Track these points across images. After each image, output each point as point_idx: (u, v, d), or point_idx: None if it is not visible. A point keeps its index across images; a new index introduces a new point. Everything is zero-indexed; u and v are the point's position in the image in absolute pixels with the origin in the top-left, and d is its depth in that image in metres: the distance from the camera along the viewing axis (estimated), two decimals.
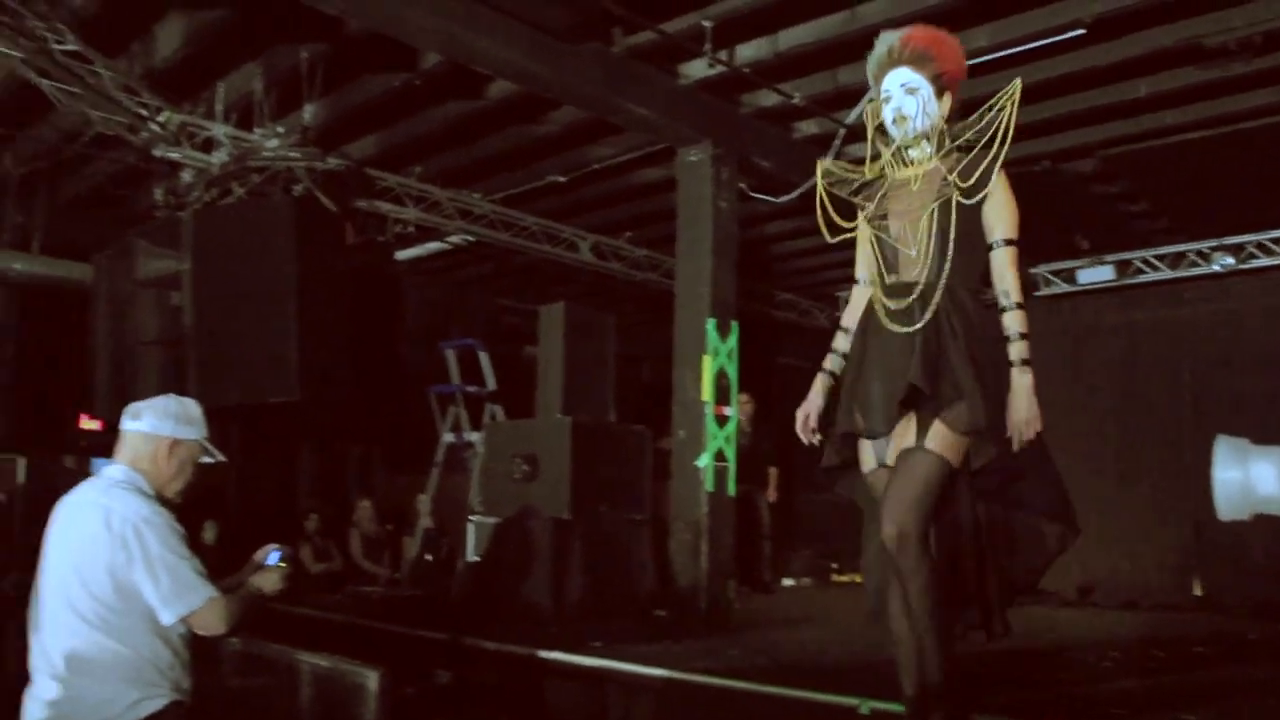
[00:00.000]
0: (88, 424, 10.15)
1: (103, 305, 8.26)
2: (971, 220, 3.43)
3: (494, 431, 8.32)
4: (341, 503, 11.38)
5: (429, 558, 9.20)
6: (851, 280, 3.82)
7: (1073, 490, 3.57)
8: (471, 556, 7.87)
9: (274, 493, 11.96)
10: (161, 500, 3.19)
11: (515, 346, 10.64)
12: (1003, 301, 3.44)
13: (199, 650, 3.23)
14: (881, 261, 3.57)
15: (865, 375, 3.52)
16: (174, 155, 7.62)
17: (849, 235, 3.66)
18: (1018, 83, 3.34)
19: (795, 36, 6.81)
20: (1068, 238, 9.85)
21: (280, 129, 7.71)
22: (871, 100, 3.61)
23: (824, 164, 3.73)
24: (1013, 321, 3.40)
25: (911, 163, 3.59)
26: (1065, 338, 10.46)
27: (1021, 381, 3.34)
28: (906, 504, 3.28)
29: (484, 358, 9.15)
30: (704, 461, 7.11)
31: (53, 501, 3.21)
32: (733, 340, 7.42)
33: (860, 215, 3.65)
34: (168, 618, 3.04)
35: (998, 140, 3.35)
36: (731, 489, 7.30)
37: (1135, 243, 9.92)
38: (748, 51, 7.06)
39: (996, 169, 3.39)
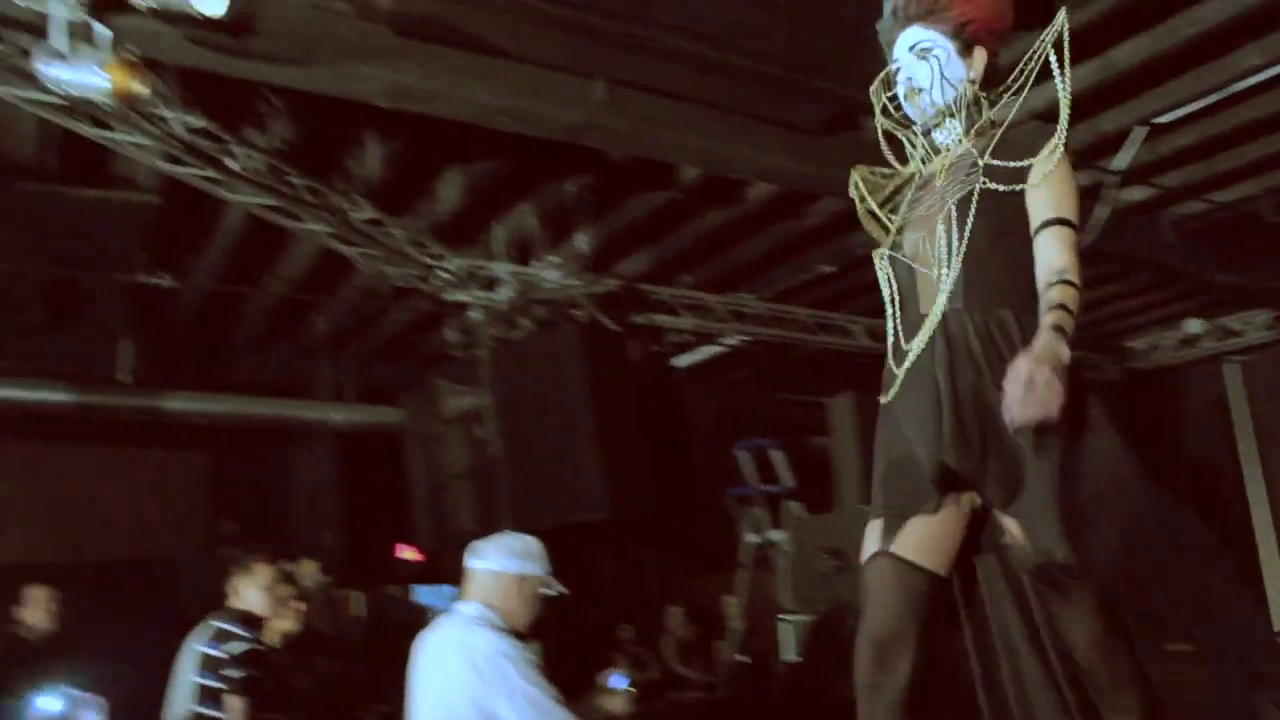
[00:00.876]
0: (405, 554, 10.74)
1: (414, 444, 8.81)
2: (1011, 215, 2.53)
3: (797, 528, 8.31)
4: (648, 610, 11.53)
5: (744, 659, 9.21)
6: None
7: None
8: (789, 656, 7.84)
9: (584, 608, 12.25)
10: (513, 632, 3.37)
11: (802, 438, 10.62)
12: (1051, 278, 2.41)
13: None
14: (897, 288, 2.77)
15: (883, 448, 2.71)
16: (462, 297, 8.11)
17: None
18: (1062, 16, 2.57)
19: (1049, 90, 6.63)
20: None
21: (555, 259, 8.10)
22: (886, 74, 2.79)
23: (859, 172, 2.89)
24: (1060, 294, 2.36)
25: (941, 149, 2.74)
26: None
27: (1044, 339, 2.26)
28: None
29: (777, 456, 9.20)
30: None
31: (388, 631, 3.47)
32: None
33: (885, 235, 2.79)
34: None
35: (1061, 112, 2.56)
36: None
37: None
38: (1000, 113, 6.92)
39: (1050, 148, 2.55)
